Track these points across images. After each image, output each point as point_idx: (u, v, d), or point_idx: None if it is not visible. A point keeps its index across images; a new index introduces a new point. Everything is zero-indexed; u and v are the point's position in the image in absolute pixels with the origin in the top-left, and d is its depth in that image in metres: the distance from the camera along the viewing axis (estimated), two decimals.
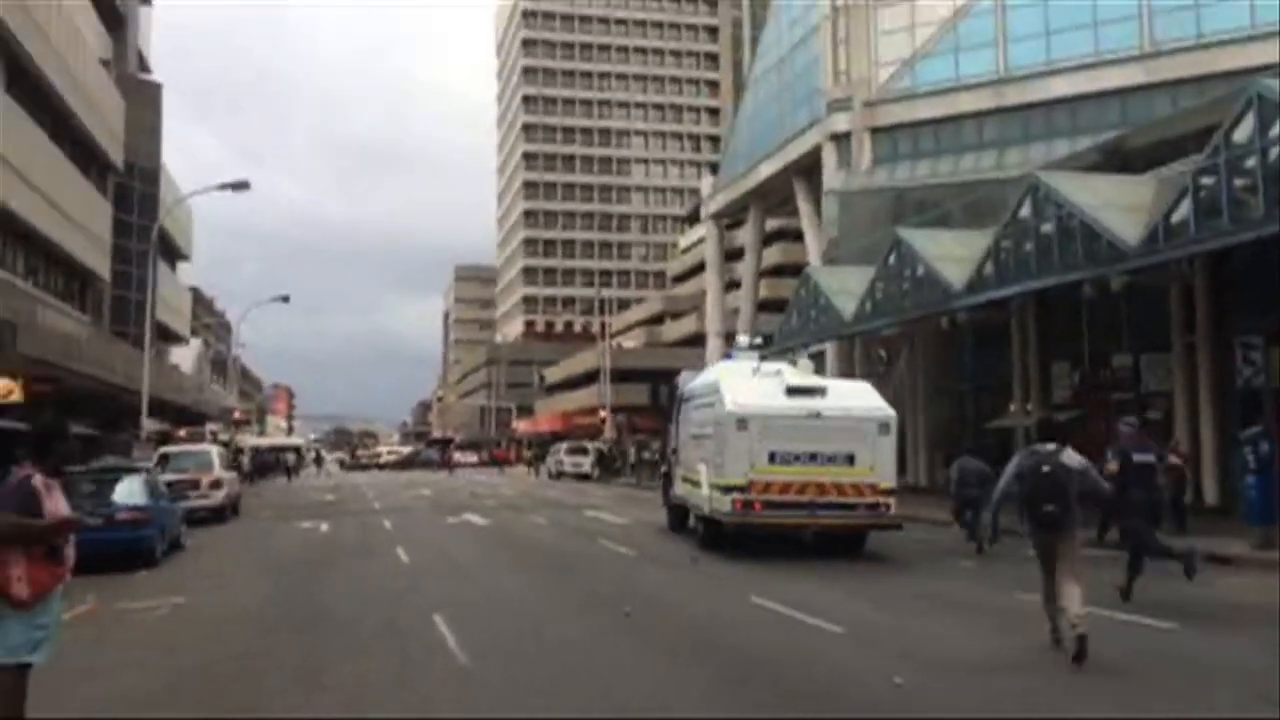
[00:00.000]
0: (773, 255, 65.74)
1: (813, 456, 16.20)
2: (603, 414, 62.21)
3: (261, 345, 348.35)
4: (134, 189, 43.12)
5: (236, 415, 57.22)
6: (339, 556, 17.07)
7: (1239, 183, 18.67)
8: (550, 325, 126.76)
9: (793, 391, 16.89)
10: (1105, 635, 8.86)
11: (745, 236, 60.23)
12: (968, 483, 18.32)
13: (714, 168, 67.15)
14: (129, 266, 44.28)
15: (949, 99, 39.39)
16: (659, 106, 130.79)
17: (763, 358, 21.30)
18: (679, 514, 20.25)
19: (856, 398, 17.54)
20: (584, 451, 56.81)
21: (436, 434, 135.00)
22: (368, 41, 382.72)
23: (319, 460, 74.23)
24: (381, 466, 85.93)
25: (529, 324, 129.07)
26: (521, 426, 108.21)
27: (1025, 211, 24.17)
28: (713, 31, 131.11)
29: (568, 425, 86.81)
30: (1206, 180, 19.32)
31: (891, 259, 30.08)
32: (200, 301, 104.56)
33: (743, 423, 16.26)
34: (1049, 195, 23.23)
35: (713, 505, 16.90)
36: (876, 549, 16.84)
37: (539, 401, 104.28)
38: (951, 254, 28.10)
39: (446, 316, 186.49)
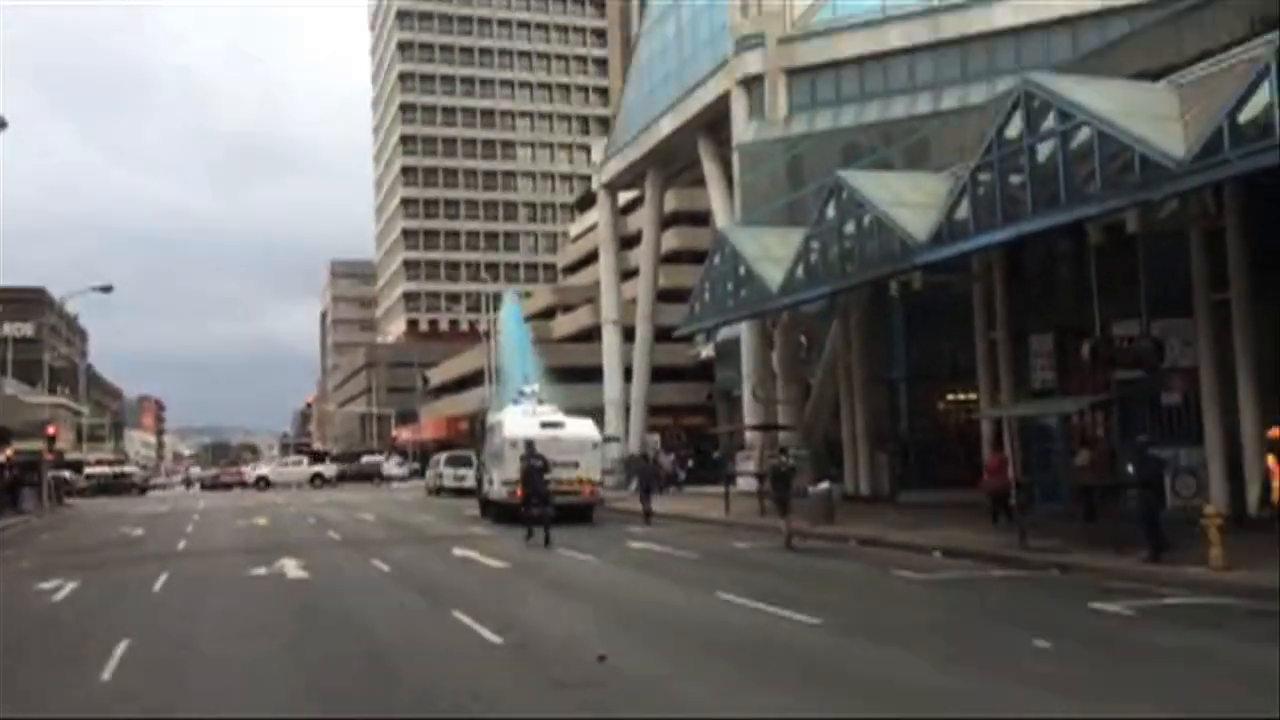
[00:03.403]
0: (669, 240, 59.88)
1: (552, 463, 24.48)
2: None
3: (128, 353, 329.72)
4: None
5: (51, 430, 48.20)
6: None
7: None
8: (434, 324, 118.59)
9: (544, 425, 27.46)
10: None
11: (642, 217, 54.28)
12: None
13: (605, 125, 61.00)
14: None
15: (876, 33, 33.96)
16: (545, 86, 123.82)
17: (540, 401, 30.63)
18: (485, 505, 30.17)
19: (581, 428, 28.58)
20: (466, 463, 49.50)
21: (317, 445, 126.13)
22: (235, 31, 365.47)
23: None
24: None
25: (411, 322, 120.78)
26: (403, 435, 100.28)
27: (1013, 130, 18.51)
28: (600, 6, 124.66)
29: (453, 432, 79.58)
30: None
31: (830, 210, 24.29)
32: (47, 302, 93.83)
33: (514, 443, 25.88)
34: (1049, 102, 17.59)
35: (498, 494, 27.52)
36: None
37: (424, 407, 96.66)
38: (906, 200, 22.46)
39: (324, 317, 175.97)
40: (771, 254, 27.55)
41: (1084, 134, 16.93)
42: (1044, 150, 17.87)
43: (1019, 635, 10.03)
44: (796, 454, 28.17)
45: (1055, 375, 22.32)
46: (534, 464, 22.54)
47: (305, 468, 68.78)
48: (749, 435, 34.49)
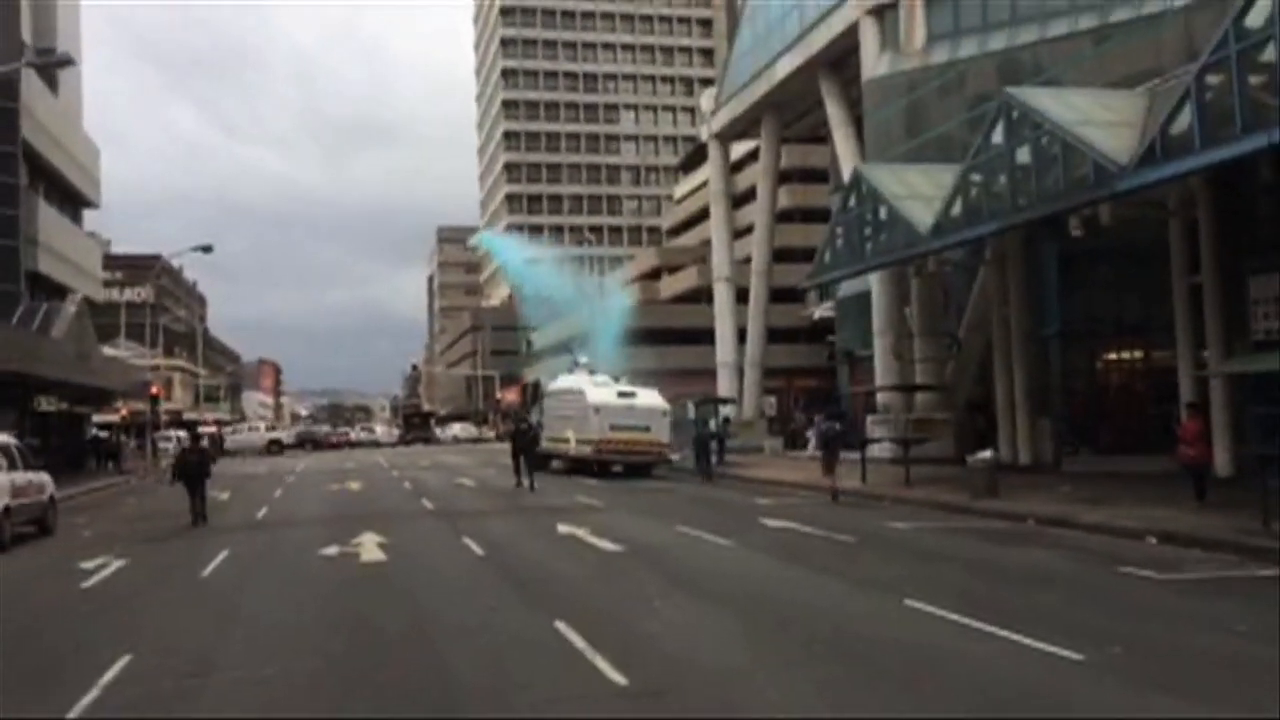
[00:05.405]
0: (781, 198, 56.06)
1: (630, 427, 31.03)
2: None
3: (249, 320, 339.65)
4: None
5: (155, 390, 47.22)
6: None
7: None
8: None
9: (621, 394, 32.15)
10: None
11: (751, 174, 50.81)
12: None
13: (709, 86, 57.48)
14: None
15: None
16: (648, 48, 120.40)
17: (591, 371, 35.35)
18: (544, 460, 31.34)
19: (652, 398, 32.44)
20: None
21: (426, 407, 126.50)
22: (343, 12, 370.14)
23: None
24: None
25: (516, 286, 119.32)
26: (508, 397, 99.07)
27: (1256, 17, 14.68)
28: None
29: None
30: None
31: (995, 136, 20.62)
32: (169, 272, 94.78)
33: (598, 410, 31.11)
34: None
35: (579, 451, 31.67)
36: None
37: (528, 369, 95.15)
38: (1094, 118, 18.71)
39: (431, 282, 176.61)
40: (918, 192, 24.03)
41: None
42: None
43: None
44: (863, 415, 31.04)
45: None
46: (521, 428, 29.37)
47: (261, 434, 69.98)
48: (880, 398, 31.08)
